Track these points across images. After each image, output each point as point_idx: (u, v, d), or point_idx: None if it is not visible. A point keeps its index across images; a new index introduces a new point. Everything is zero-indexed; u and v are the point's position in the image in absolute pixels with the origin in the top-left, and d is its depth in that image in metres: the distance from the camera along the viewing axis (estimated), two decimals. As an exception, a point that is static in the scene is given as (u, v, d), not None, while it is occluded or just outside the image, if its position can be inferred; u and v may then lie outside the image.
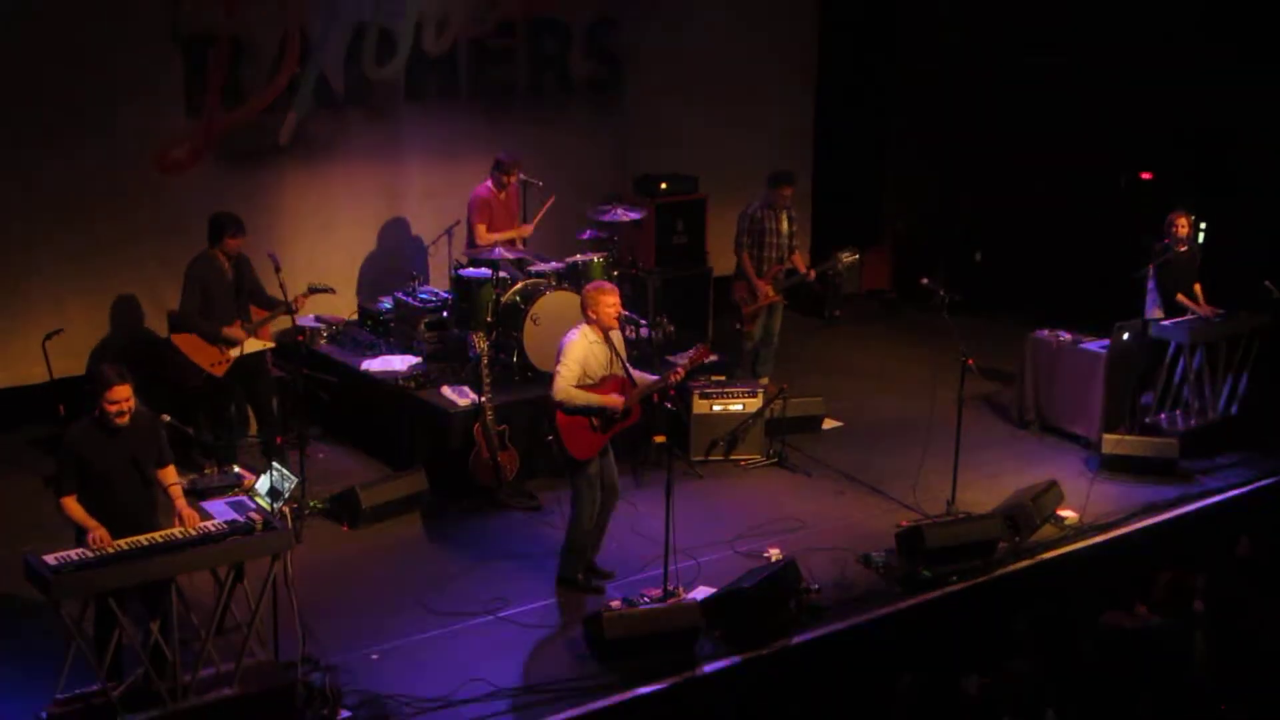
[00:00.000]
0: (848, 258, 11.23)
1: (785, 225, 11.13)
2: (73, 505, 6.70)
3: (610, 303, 8.04)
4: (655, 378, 8.22)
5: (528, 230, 11.19)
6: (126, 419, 6.74)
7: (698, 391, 10.29)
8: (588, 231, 11.39)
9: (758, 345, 11.30)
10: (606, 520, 8.39)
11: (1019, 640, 6.87)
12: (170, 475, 7.06)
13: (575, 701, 7.14)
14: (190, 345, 9.37)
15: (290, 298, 9.20)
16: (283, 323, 9.50)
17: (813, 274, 11.29)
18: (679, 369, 8.25)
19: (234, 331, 9.35)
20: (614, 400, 7.99)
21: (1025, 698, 6.14)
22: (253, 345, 9.48)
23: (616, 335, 8.21)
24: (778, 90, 14.03)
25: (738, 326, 11.36)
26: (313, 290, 9.67)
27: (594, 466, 8.12)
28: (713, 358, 10.72)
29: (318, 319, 10.97)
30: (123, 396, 6.72)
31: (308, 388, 9.50)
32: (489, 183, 10.97)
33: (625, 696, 7.22)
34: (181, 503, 6.94)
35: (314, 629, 7.28)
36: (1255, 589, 7.52)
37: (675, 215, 12.65)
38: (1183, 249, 10.65)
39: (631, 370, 8.18)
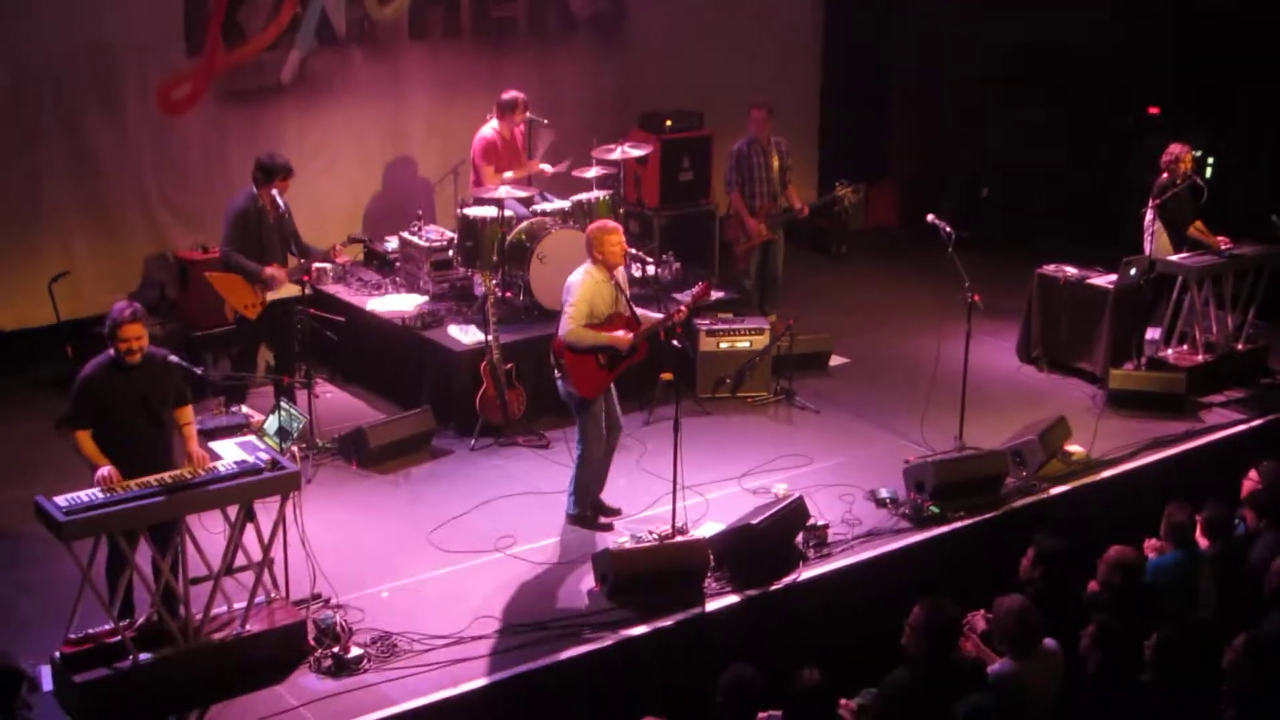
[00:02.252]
0: (850, 194, 11.18)
1: (776, 161, 11.09)
2: (85, 440, 6.70)
3: (615, 241, 8.02)
4: (660, 315, 8.21)
5: (535, 165, 11.06)
6: (138, 357, 6.73)
7: (705, 329, 10.28)
8: (593, 169, 11.32)
9: (758, 283, 11.27)
10: (610, 456, 8.41)
11: (1026, 575, 6.89)
12: (186, 415, 7.07)
13: (584, 638, 7.19)
14: (226, 285, 9.32)
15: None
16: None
17: (806, 210, 11.26)
18: (682, 307, 8.25)
19: (275, 270, 9.28)
20: (622, 338, 7.98)
21: (1030, 632, 6.17)
22: (287, 290, 9.40)
23: (621, 273, 8.20)
24: (784, 25, 13.90)
25: (743, 268, 11.34)
26: (352, 240, 9.75)
27: (599, 404, 8.14)
28: (717, 294, 10.72)
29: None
30: (134, 335, 6.70)
31: (314, 327, 9.49)
32: (494, 124, 10.86)
33: (634, 633, 7.26)
34: (193, 443, 6.96)
35: (323, 567, 7.32)
36: (1261, 523, 7.52)
37: (681, 152, 12.57)
38: (1180, 183, 10.56)
39: (636, 309, 8.17)
